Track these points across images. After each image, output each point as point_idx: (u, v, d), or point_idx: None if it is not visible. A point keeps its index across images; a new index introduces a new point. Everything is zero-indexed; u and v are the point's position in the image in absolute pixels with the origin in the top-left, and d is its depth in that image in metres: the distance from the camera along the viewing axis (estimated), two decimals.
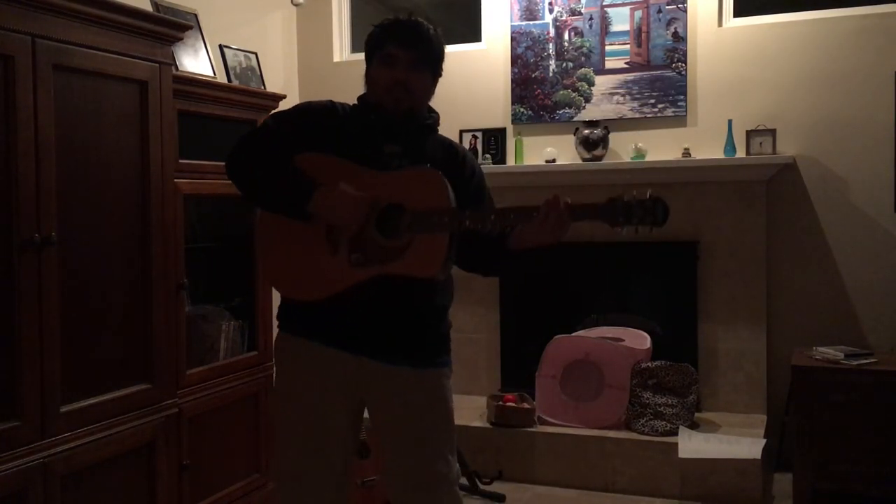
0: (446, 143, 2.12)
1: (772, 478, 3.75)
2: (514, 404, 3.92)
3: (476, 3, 4.50)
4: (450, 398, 2.07)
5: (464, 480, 3.59)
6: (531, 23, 4.33)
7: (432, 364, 2.04)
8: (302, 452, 2.02)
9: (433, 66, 2.02)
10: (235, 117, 3.30)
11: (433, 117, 2.10)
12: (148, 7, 3.16)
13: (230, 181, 2.01)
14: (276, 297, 2.21)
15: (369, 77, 2.04)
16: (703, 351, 4.07)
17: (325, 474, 2.03)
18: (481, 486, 3.65)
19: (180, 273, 2.90)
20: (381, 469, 2.16)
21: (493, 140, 4.40)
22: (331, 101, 2.09)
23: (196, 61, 3.43)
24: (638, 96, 4.16)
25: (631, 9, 4.15)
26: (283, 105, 3.59)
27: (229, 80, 3.66)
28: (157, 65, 2.71)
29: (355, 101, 2.08)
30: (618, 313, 4.25)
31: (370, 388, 2.02)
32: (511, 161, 4.36)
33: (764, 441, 3.60)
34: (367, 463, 3.19)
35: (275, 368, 2.16)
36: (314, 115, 2.05)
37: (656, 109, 4.13)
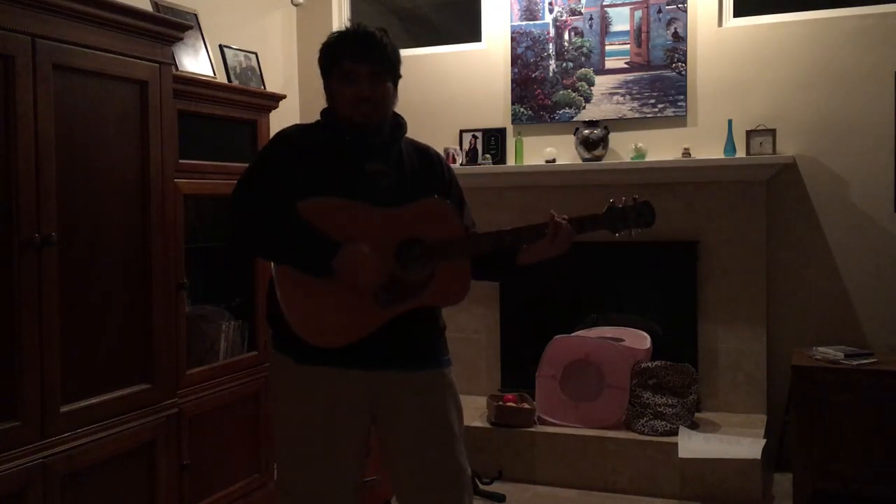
0: (419, 147, 2.12)
1: (772, 478, 3.75)
2: (514, 404, 3.92)
3: (476, 3, 4.50)
4: (457, 393, 2.09)
5: None
6: (531, 23, 4.33)
7: (439, 363, 2.06)
8: (316, 479, 1.99)
9: (392, 73, 2.02)
10: (235, 117, 3.30)
11: (400, 123, 2.10)
12: (148, 7, 3.16)
13: (240, 248, 2.00)
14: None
15: (330, 93, 2.03)
16: (703, 351, 4.07)
17: (341, 499, 2.02)
18: (481, 486, 3.66)
19: (180, 273, 2.90)
20: (392, 475, 2.11)
21: (493, 140, 4.40)
22: (296, 126, 2.12)
23: (196, 61, 3.44)
24: (638, 96, 4.16)
25: (631, 9, 4.15)
26: (283, 105, 3.60)
27: (229, 80, 3.66)
28: (157, 65, 2.71)
29: (318, 118, 2.08)
30: (618, 313, 4.25)
31: (384, 400, 2.01)
32: (511, 161, 4.36)
33: (764, 441, 3.60)
34: (367, 463, 3.18)
35: (274, 391, 2.10)
36: (291, 142, 2.03)
37: (656, 109, 4.13)
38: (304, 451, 2.00)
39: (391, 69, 2.01)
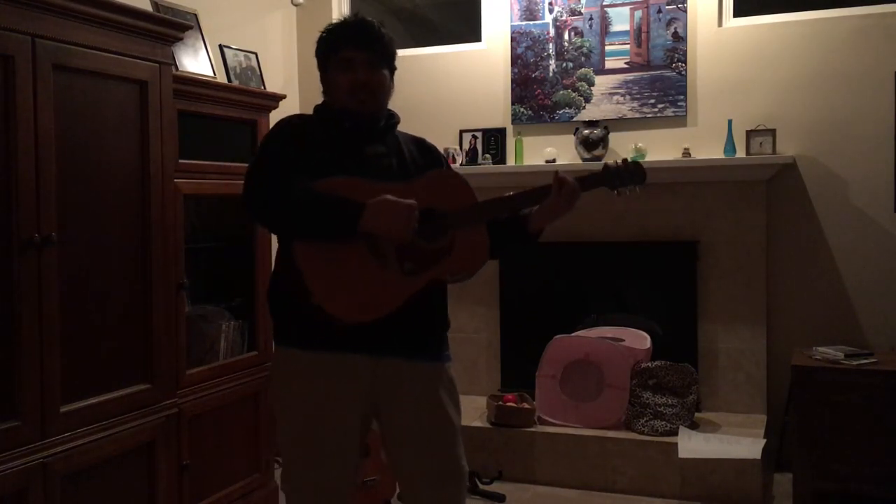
0: (414, 138, 2.18)
1: (772, 478, 3.75)
2: (514, 404, 3.92)
3: (476, 3, 4.50)
4: (458, 391, 2.11)
5: None
6: (531, 23, 4.33)
7: (442, 357, 2.08)
8: (317, 471, 2.00)
9: (389, 62, 2.06)
10: (235, 117, 3.30)
11: (393, 114, 2.13)
12: (148, 7, 3.16)
13: (260, 222, 1.99)
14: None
15: (327, 83, 2.05)
16: (703, 351, 4.07)
17: (342, 487, 2.03)
18: (481, 486, 3.66)
19: (180, 273, 2.90)
20: (393, 467, 2.13)
21: (493, 140, 4.40)
22: (294, 117, 2.09)
23: (196, 61, 3.43)
24: (638, 96, 4.16)
25: (631, 9, 4.15)
26: (284, 105, 3.60)
27: (229, 80, 3.66)
28: (157, 65, 2.71)
29: (311, 112, 2.10)
30: (618, 313, 4.25)
31: (387, 388, 2.01)
32: (511, 161, 4.36)
33: (764, 441, 3.60)
34: (367, 463, 3.19)
35: (277, 387, 2.08)
36: (292, 128, 2.04)
37: (656, 109, 4.13)
38: (306, 441, 2.00)
39: (387, 58, 2.05)
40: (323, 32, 2.06)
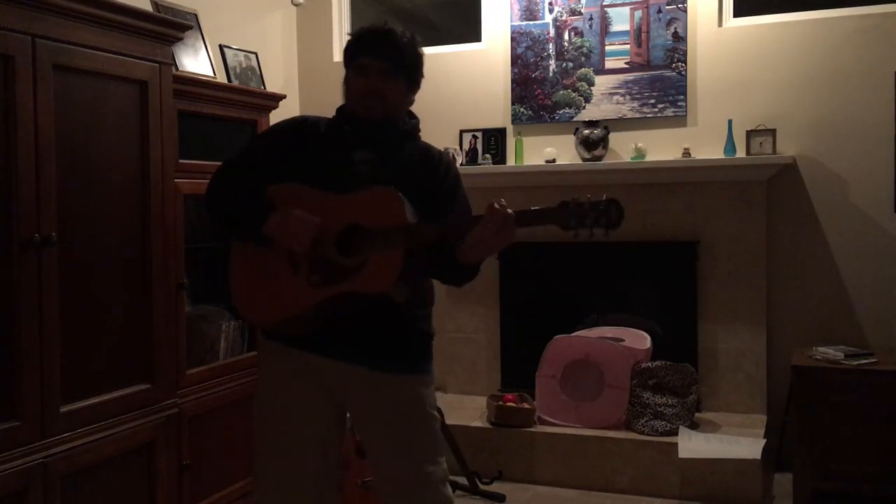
0: (425, 148, 2.13)
1: (772, 478, 3.75)
2: (514, 404, 3.92)
3: (476, 3, 4.50)
4: (429, 403, 2.07)
5: (464, 480, 3.60)
6: (531, 23, 4.33)
7: (410, 370, 2.05)
8: (280, 458, 2.04)
9: (407, 73, 2.05)
10: (235, 117, 3.30)
11: (412, 123, 2.13)
12: (148, 7, 3.16)
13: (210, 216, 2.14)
14: None
15: (346, 86, 2.08)
16: (703, 351, 4.07)
17: (304, 480, 2.04)
18: (481, 486, 3.65)
19: (180, 273, 2.90)
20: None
21: (493, 140, 4.40)
22: (302, 116, 2.16)
23: (196, 61, 3.44)
24: (638, 96, 4.16)
25: (631, 9, 4.15)
26: (283, 105, 3.60)
27: (229, 80, 3.66)
28: (157, 65, 2.71)
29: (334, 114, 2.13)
30: (618, 313, 4.25)
31: (348, 393, 2.05)
32: (511, 161, 4.36)
33: (764, 441, 3.60)
34: (366, 463, 3.19)
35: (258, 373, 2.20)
36: (283, 132, 2.10)
37: (656, 109, 4.13)
38: (268, 431, 2.08)
39: (405, 69, 2.04)
40: (349, 35, 2.11)
